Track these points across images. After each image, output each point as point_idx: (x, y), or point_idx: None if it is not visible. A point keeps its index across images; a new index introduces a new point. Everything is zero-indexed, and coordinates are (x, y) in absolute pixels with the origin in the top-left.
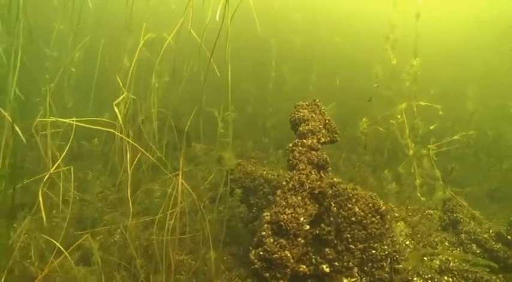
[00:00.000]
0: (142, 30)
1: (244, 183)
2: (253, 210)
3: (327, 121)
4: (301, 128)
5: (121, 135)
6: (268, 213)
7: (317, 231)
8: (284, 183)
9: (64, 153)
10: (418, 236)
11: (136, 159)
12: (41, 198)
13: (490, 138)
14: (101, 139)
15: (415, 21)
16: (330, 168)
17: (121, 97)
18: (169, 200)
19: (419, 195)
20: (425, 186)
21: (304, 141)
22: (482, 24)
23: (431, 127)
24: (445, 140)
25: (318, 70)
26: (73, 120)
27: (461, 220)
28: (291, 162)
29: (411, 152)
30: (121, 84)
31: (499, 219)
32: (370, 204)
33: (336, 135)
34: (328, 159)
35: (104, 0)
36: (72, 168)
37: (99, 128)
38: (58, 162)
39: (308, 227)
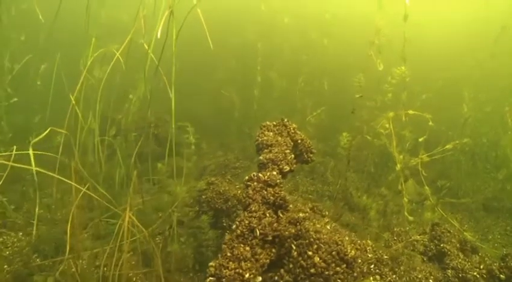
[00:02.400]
0: (91, 46)
1: (217, 204)
2: (226, 234)
3: (299, 141)
4: (261, 157)
5: (53, 174)
6: (213, 265)
7: (276, 278)
8: (234, 226)
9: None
10: (401, 268)
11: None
12: None
13: (486, 145)
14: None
15: (402, 23)
16: (290, 207)
17: (44, 133)
18: (119, 234)
19: (406, 214)
20: (414, 203)
21: (260, 175)
22: (475, 24)
23: (420, 139)
24: (437, 149)
25: (307, 73)
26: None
27: (449, 252)
28: (244, 201)
29: (399, 166)
30: (73, 102)
31: (494, 236)
32: (334, 252)
33: (311, 156)
34: (286, 197)
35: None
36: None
37: (23, 166)
38: None
39: (260, 278)
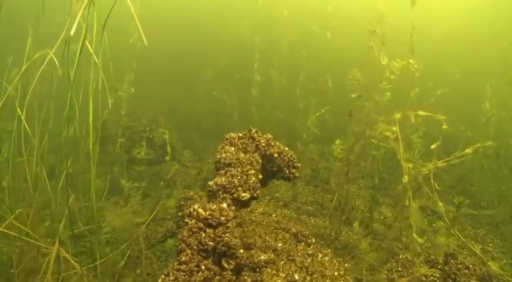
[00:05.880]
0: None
1: None
2: None
3: (275, 156)
4: (211, 182)
5: None
6: None
7: None
8: (160, 281)
9: None
10: None
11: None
12: None
13: None
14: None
15: (410, 9)
16: (239, 253)
17: None
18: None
19: (415, 236)
20: (426, 220)
21: (201, 210)
22: (495, 8)
23: (432, 146)
24: (454, 154)
25: (309, 69)
26: None
27: None
28: (177, 246)
29: (406, 178)
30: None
31: None
32: None
33: (294, 171)
34: (232, 243)
35: None
36: None
37: None
38: None
39: None
